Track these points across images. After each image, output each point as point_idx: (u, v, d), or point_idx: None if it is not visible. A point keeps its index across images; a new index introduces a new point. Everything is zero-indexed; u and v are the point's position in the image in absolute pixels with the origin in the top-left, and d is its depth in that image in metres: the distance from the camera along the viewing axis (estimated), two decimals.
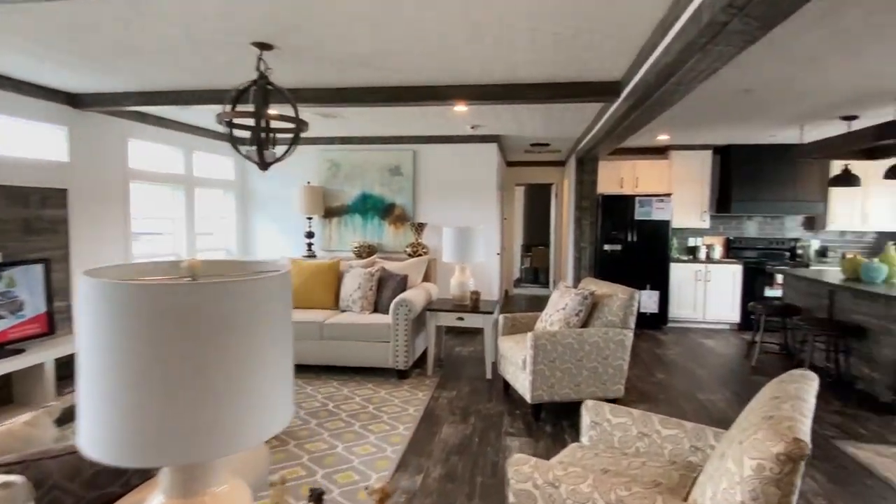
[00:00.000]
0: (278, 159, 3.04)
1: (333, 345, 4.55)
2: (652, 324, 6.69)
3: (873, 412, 3.86)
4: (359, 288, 4.82)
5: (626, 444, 2.14)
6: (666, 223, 6.56)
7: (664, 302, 6.63)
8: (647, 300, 6.65)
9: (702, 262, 6.74)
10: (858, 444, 3.26)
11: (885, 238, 6.83)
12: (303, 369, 4.74)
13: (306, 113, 4.76)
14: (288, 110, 3.20)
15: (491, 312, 4.52)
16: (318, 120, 5.20)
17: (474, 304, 4.66)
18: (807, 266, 6.46)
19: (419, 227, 6.10)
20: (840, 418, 3.73)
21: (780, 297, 6.25)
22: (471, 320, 4.57)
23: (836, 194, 6.60)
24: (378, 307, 4.81)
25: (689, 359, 5.30)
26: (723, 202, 6.87)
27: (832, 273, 5.14)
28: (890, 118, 4.40)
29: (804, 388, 1.58)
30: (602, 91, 3.60)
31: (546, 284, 10.44)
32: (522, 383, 3.68)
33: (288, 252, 6.59)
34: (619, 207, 6.66)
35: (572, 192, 6.88)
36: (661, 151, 7.23)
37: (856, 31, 2.64)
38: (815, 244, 7.00)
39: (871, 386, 4.07)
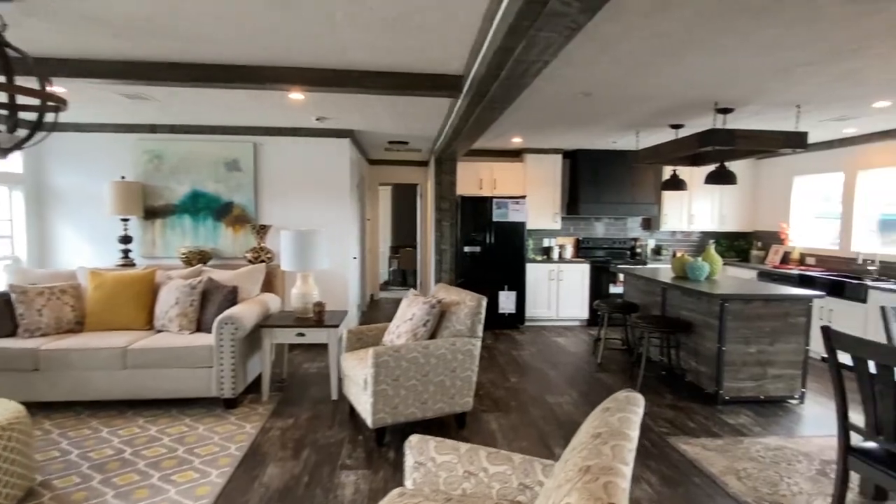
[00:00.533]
0: (19, 145, 2.29)
1: (141, 374, 3.75)
2: (510, 324, 6.73)
3: (700, 402, 4.12)
4: (176, 303, 4.06)
5: (452, 486, 1.85)
6: (522, 224, 6.64)
7: (521, 302, 6.71)
8: (506, 301, 6.67)
9: (555, 261, 6.94)
10: (688, 440, 3.39)
11: (707, 237, 7.65)
12: (101, 407, 3.87)
13: (104, 91, 3.89)
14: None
15: (336, 326, 4.07)
16: (124, 102, 4.31)
17: (318, 317, 4.17)
18: (644, 264, 6.97)
19: (262, 230, 5.42)
20: (672, 412, 3.91)
21: (622, 295, 6.64)
22: (314, 336, 4.08)
23: (668, 197, 7.21)
24: (201, 325, 4.09)
25: (542, 359, 5.34)
26: (572, 204, 7.15)
27: (665, 271, 5.51)
28: (709, 127, 4.77)
29: (628, 419, 1.39)
30: (444, 85, 3.35)
31: (414, 286, 10.21)
32: (364, 406, 3.29)
33: (97, 261, 5.48)
34: (477, 209, 6.59)
35: (432, 192, 6.66)
36: (516, 154, 7.33)
37: (677, 37, 2.66)
38: (651, 243, 7.61)
39: (697, 378, 4.36)
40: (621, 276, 6.84)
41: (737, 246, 7.42)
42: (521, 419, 3.75)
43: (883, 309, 2.91)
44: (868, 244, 5.49)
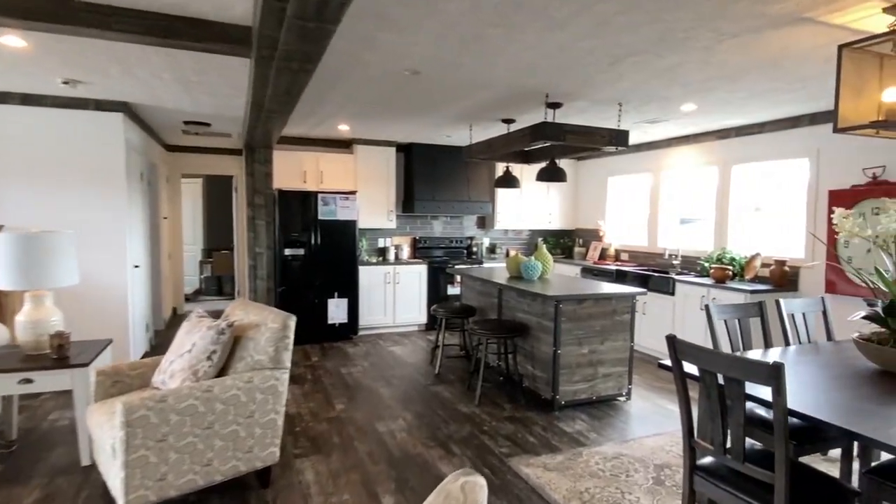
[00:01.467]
0: None
1: None
2: (342, 335, 6.02)
3: (538, 410, 3.90)
4: None
5: None
6: (353, 223, 5.96)
7: (354, 309, 6.04)
8: (336, 310, 5.93)
9: (391, 263, 6.41)
10: (529, 460, 3.07)
11: (536, 235, 7.83)
12: None
13: None
14: None
15: (86, 364, 2.95)
16: None
17: (58, 354, 2.99)
18: (480, 263, 6.81)
19: None
20: (512, 426, 3.60)
21: (460, 297, 6.39)
22: (48, 381, 2.90)
23: (501, 195, 7.17)
24: None
25: (376, 374, 4.75)
26: (408, 202, 6.69)
27: (500, 270, 5.32)
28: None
29: None
30: (226, 36, 2.51)
31: (232, 295, 8.84)
32: (115, 481, 2.32)
33: None
34: (300, 205, 5.74)
35: (244, 185, 5.62)
36: (346, 145, 6.63)
37: (508, 3, 2.25)
38: (486, 242, 7.53)
39: (534, 383, 4.16)
40: (458, 277, 6.58)
41: (562, 243, 7.72)
42: (344, 461, 3.09)
43: (707, 308, 2.89)
44: (672, 240, 5.98)
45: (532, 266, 4.57)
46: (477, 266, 6.75)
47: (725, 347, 2.89)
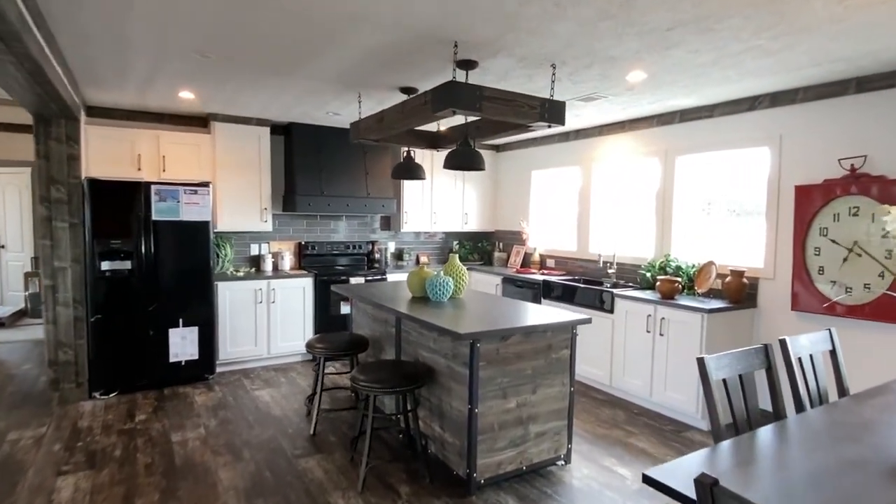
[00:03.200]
0: None
1: None
2: (192, 376, 4.50)
3: (450, 493, 2.73)
4: None
5: None
6: (205, 225, 4.45)
7: (209, 340, 4.54)
8: (180, 343, 4.40)
9: (267, 276, 4.96)
10: None
11: (451, 238, 6.70)
12: None
13: None
14: None
15: None
16: None
17: None
18: (383, 274, 5.55)
19: None
20: None
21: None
22: None
23: (409, 191, 5.95)
24: None
25: (223, 442, 3.34)
26: (289, 197, 5.28)
27: (404, 287, 4.10)
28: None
29: None
30: None
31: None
32: None
33: None
34: (123, 201, 4.14)
35: (36, 173, 3.92)
36: (202, 122, 5.08)
37: None
38: (391, 247, 6.28)
39: (444, 451, 2.98)
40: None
41: (480, 248, 6.65)
42: None
43: (702, 364, 1.85)
44: (606, 245, 5.09)
45: (440, 284, 3.39)
46: (379, 279, 5.48)
47: (724, 416, 1.86)
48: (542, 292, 4.97)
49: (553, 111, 3.02)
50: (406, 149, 3.95)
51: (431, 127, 4.62)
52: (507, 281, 5.45)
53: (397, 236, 6.32)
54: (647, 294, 4.13)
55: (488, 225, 6.62)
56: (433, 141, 4.12)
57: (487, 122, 3.43)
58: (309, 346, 3.55)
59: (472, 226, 6.48)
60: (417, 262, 6.39)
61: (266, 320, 4.95)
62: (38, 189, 3.82)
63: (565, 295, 4.72)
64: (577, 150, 5.41)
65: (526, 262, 6.04)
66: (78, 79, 3.68)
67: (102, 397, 4.10)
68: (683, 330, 3.73)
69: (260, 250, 5.45)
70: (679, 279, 3.99)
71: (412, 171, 3.82)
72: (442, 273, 3.47)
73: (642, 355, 4.02)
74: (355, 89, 3.78)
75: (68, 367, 3.98)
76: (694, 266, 4.19)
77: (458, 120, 4.31)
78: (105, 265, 4.06)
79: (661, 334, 3.88)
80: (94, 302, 4.05)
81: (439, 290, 3.40)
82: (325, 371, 3.93)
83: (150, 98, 4.23)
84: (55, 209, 3.88)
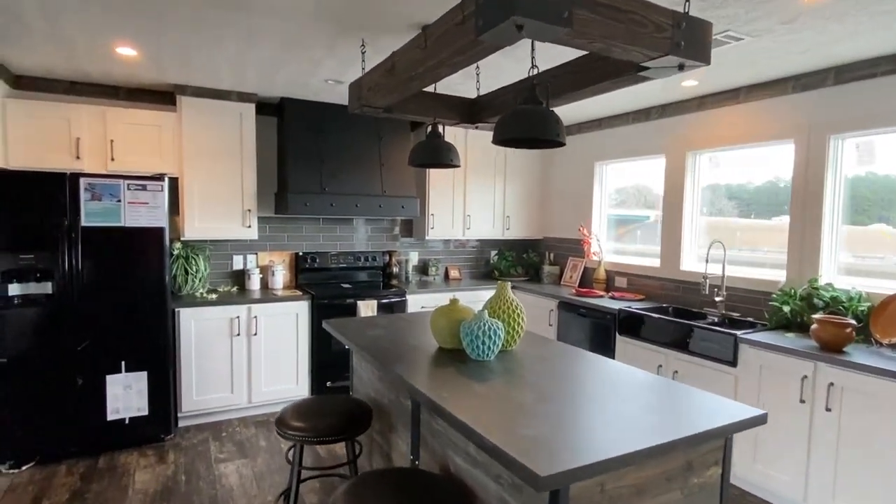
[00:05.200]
0: None
1: None
2: (140, 438, 3.31)
3: None
4: None
5: None
6: (158, 233, 3.26)
7: (165, 388, 3.34)
8: (123, 395, 3.22)
9: (251, 300, 3.76)
10: None
11: (487, 248, 5.39)
12: None
13: None
14: None
15: None
16: None
17: None
18: (402, 295, 4.28)
19: None
20: None
21: (346, 383, 3.87)
22: None
23: (438, 188, 4.67)
24: None
25: None
26: (282, 195, 4.07)
27: (423, 322, 2.82)
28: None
29: None
30: None
31: None
32: None
33: None
34: (39, 201, 2.98)
35: None
36: (167, 98, 3.91)
37: None
38: (413, 258, 5.02)
39: None
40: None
41: (525, 260, 5.31)
42: None
43: None
44: (703, 262, 3.68)
45: (485, 334, 2.09)
46: (398, 300, 4.22)
47: None
48: (619, 326, 3.61)
49: (692, 36, 1.68)
50: (431, 124, 2.66)
51: (468, 89, 3.30)
52: (566, 307, 4.10)
53: (420, 244, 5.05)
54: (794, 341, 2.74)
55: (535, 231, 5.28)
56: (469, 112, 2.83)
57: (566, 71, 2.10)
58: (281, 423, 2.29)
59: (516, 232, 5.15)
60: (446, 277, 5.12)
61: (246, 358, 3.74)
62: None
63: (653, 333, 3.35)
64: (662, 133, 4.02)
65: (586, 280, 4.68)
66: None
67: (10, 471, 2.95)
68: (868, 406, 2.33)
69: (245, 264, 4.26)
70: (851, 322, 2.58)
71: (439, 152, 2.52)
72: (486, 313, 2.16)
73: (792, 438, 2.62)
74: (356, 34, 2.51)
75: None
76: (861, 298, 2.77)
77: (509, 74, 3.01)
78: (13, 289, 2.91)
79: (827, 409, 2.48)
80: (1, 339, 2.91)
81: (483, 344, 2.10)
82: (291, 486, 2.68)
83: (82, 58, 3.07)
84: None
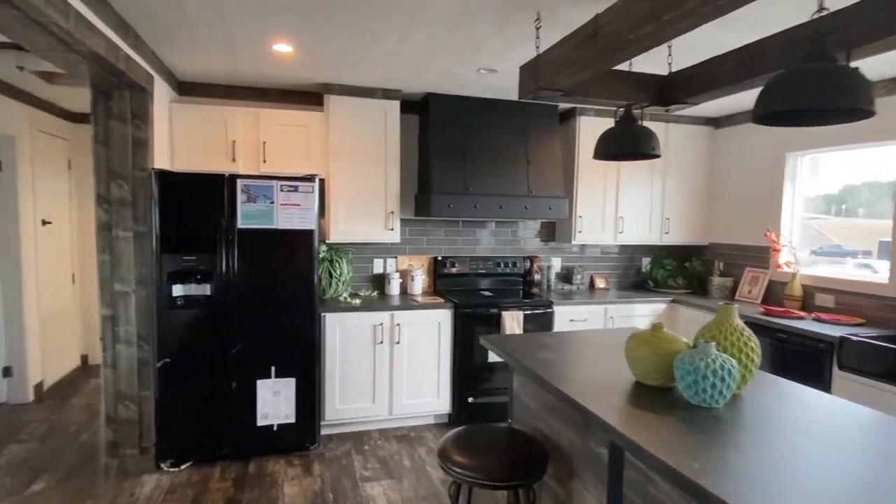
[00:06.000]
0: None
1: None
2: (286, 446, 3.24)
3: None
4: None
5: None
6: (308, 235, 3.17)
7: (311, 396, 3.24)
8: (272, 401, 3.16)
9: (391, 307, 3.58)
10: None
11: (639, 253, 4.75)
12: None
13: None
14: None
15: None
16: None
17: None
18: (548, 307, 3.84)
19: None
20: None
21: (488, 399, 3.52)
22: None
23: (588, 188, 4.18)
24: None
25: None
26: (423, 197, 3.84)
27: (593, 342, 2.37)
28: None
29: None
30: None
31: None
32: None
33: None
34: (200, 203, 3.00)
35: (93, 163, 2.92)
36: (313, 98, 3.86)
37: None
38: (556, 265, 4.55)
39: None
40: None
41: (688, 270, 4.59)
42: None
43: None
44: None
45: (715, 371, 1.59)
46: (542, 312, 3.80)
47: None
48: (840, 358, 2.84)
49: None
50: (621, 106, 2.19)
51: (659, 63, 2.78)
52: (754, 329, 3.38)
53: (562, 249, 4.57)
54: None
55: (700, 236, 4.54)
56: (661, 91, 2.32)
57: (876, 5, 1.53)
58: (445, 457, 1.99)
59: (676, 237, 4.47)
60: (591, 286, 4.58)
61: (388, 367, 3.55)
62: (97, 186, 2.83)
63: (889, 370, 2.56)
64: (891, 112, 3.15)
65: (773, 297, 3.88)
66: (142, 33, 2.59)
67: (171, 469, 3.01)
68: None
69: (385, 267, 4.11)
70: None
71: (637, 140, 2.04)
72: (713, 347, 1.65)
73: None
74: (531, 7, 2.13)
75: (130, 427, 2.95)
76: None
77: (708, 47, 2.48)
78: (176, 290, 2.96)
79: None
80: (163, 337, 2.97)
81: (713, 387, 1.60)
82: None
83: (241, 59, 3.06)
84: (116, 213, 2.85)
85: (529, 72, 2.23)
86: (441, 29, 2.51)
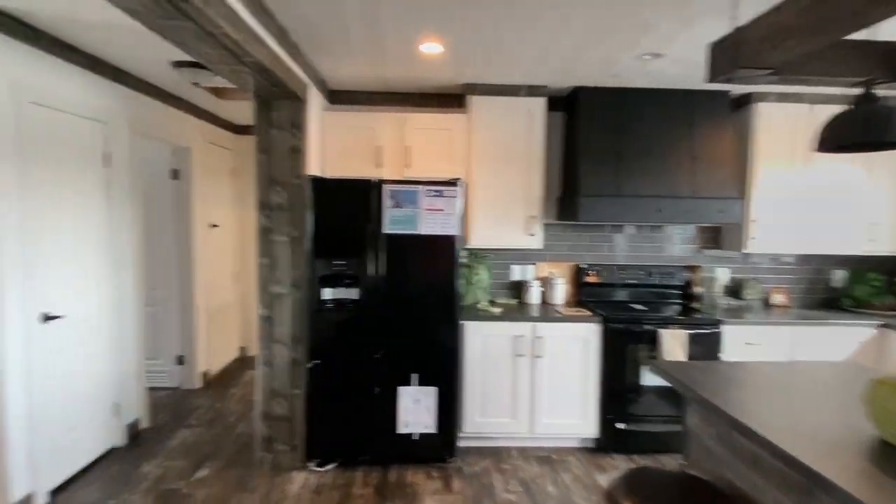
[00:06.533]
0: None
1: None
2: (424, 456, 3.14)
3: None
4: None
5: None
6: (450, 241, 3.05)
7: (451, 406, 3.12)
8: (414, 408, 3.08)
9: (532, 317, 3.34)
10: None
11: (827, 266, 3.95)
12: None
13: None
14: None
15: None
16: None
17: None
18: (715, 325, 3.31)
19: None
20: None
21: (640, 427, 3.10)
22: None
23: (768, 185, 3.56)
24: None
25: None
26: (568, 199, 3.54)
27: (808, 399, 1.91)
28: None
29: None
30: None
31: None
32: None
33: None
34: (349, 208, 3.02)
35: (257, 171, 3.08)
36: (454, 100, 3.75)
37: None
38: (722, 276, 3.96)
39: None
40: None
41: None
42: None
43: None
44: None
45: None
46: (708, 332, 3.28)
47: None
48: None
49: None
50: (858, 83, 1.71)
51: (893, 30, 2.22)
52: None
53: (729, 259, 3.96)
54: None
55: None
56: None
57: None
58: (611, 501, 1.70)
59: (883, 246, 3.63)
60: (767, 303, 3.91)
61: (528, 383, 3.31)
62: (258, 192, 2.97)
63: None
64: None
65: None
66: (300, 44, 2.66)
67: (318, 469, 3.07)
68: None
69: (523, 275, 3.87)
70: None
71: (886, 124, 1.57)
72: None
73: None
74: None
75: (282, 424, 3.06)
76: None
77: None
78: (327, 293, 3.01)
79: None
80: (313, 338, 3.04)
81: None
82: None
83: (388, 62, 3.03)
84: (274, 218, 2.98)
85: (726, 49, 1.84)
86: (602, 12, 2.21)
